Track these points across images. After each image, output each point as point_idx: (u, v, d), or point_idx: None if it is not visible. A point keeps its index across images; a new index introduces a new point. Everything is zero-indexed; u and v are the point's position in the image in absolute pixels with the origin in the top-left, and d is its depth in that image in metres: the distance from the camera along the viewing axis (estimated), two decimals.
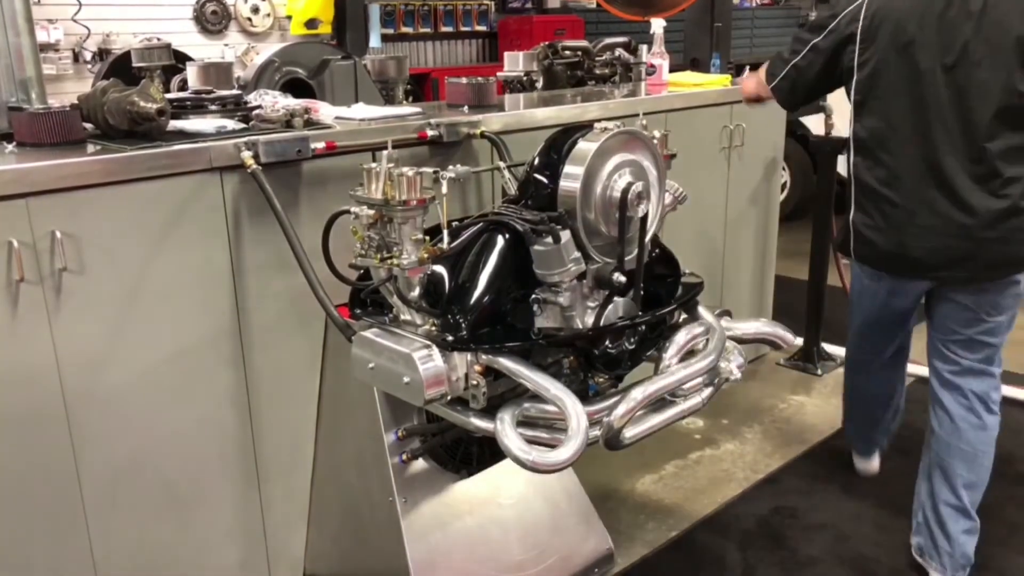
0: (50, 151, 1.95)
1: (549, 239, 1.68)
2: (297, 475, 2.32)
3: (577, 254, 1.73)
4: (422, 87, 6.03)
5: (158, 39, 3.62)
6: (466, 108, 2.71)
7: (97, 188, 1.86)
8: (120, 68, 3.31)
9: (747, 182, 3.57)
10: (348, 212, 1.76)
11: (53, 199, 1.79)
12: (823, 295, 3.76)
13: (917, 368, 2.98)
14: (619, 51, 3.97)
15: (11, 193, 1.74)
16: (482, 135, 2.44)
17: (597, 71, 3.95)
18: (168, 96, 2.24)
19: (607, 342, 1.83)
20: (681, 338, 1.90)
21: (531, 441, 1.71)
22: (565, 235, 1.70)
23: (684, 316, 2.02)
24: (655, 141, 1.89)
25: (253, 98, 2.45)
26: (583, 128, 1.83)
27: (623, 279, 1.78)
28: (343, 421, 2.23)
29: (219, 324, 2.08)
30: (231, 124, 2.17)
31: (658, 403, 1.92)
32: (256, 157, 2.00)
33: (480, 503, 2.22)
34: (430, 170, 1.74)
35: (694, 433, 3.23)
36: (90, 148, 1.97)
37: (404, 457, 2.07)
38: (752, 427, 3.28)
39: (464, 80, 2.73)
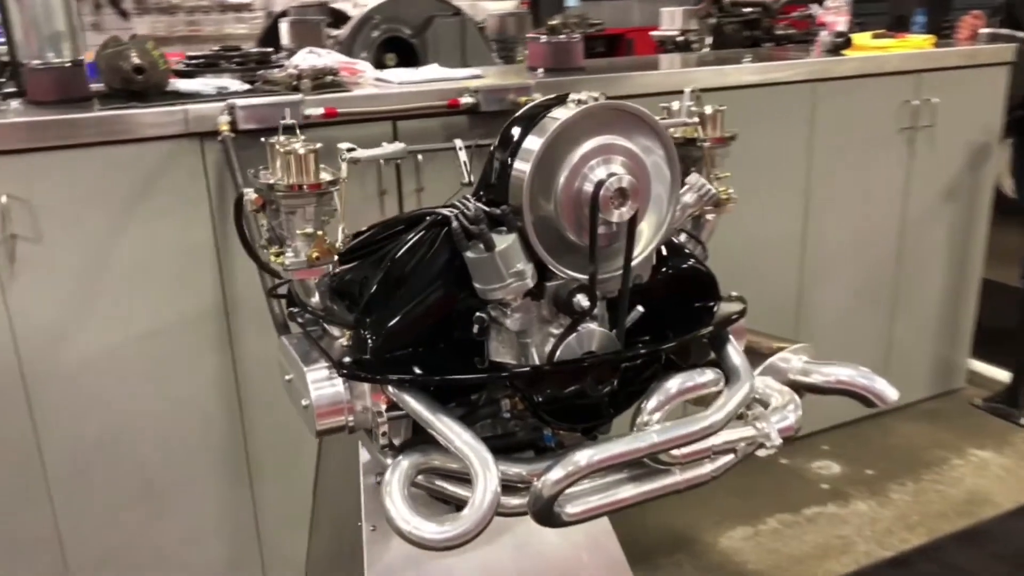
0: (44, 108, 1.85)
1: (481, 244, 1.28)
2: (296, 474, 2.10)
3: (521, 266, 1.29)
4: (615, 49, 5.57)
5: None
6: (540, 72, 2.31)
7: (56, 151, 1.72)
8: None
9: (939, 172, 2.81)
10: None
11: (3, 160, 1.68)
12: None
13: None
14: (812, 8, 3.36)
15: None
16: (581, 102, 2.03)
17: (778, 31, 3.36)
18: (191, 54, 2.08)
19: (567, 384, 1.39)
20: (673, 386, 1.41)
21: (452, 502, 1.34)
22: (505, 240, 1.28)
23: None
24: (671, 120, 1.40)
25: (299, 57, 2.22)
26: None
27: (586, 303, 1.33)
28: None
29: (201, 303, 1.90)
30: (235, 85, 1.96)
31: (636, 469, 1.46)
32: (233, 123, 1.77)
33: (471, 543, 1.87)
34: (345, 146, 1.40)
35: (822, 481, 2.62)
36: (84, 107, 1.85)
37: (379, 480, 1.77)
38: (904, 484, 2.60)
39: (543, 38, 2.32)
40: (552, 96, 1.37)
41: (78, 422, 1.86)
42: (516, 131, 1.35)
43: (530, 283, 1.30)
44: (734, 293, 1.59)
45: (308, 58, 2.11)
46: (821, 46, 2.74)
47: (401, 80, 2.12)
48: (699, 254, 1.63)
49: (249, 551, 2.11)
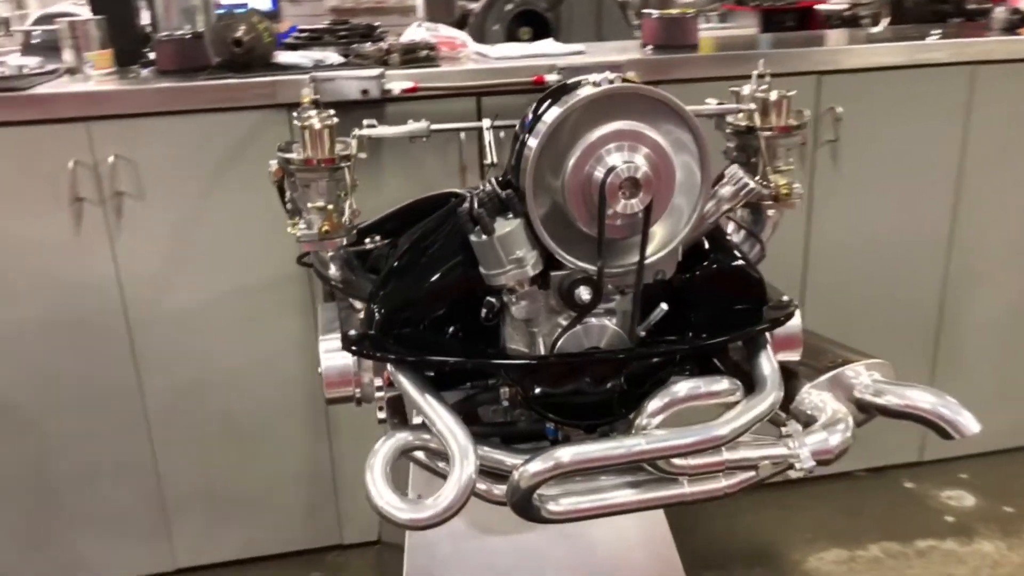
0: (166, 77, 2.01)
1: (479, 227, 1.25)
2: (370, 433, 2.17)
3: (522, 253, 1.25)
4: (806, 22, 5.17)
5: None
6: (649, 49, 2.20)
7: (158, 116, 1.87)
8: None
9: None
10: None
11: (113, 124, 1.85)
12: None
13: None
14: None
15: (73, 116, 1.83)
16: (633, 81, 1.95)
17: (971, 5, 3.00)
18: (302, 27, 2.17)
19: (565, 379, 1.32)
20: (681, 390, 1.30)
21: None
22: (508, 225, 1.25)
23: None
24: (710, 107, 1.28)
25: (409, 31, 2.26)
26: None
27: (587, 296, 1.26)
28: None
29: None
30: (332, 59, 2.03)
31: (638, 475, 1.37)
32: (316, 98, 1.84)
33: (517, 524, 1.85)
34: (366, 123, 1.41)
35: (948, 512, 2.35)
36: (194, 76, 1.99)
37: None
38: None
39: (655, 13, 2.20)
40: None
41: (174, 367, 2.03)
42: (536, 111, 1.31)
43: (531, 271, 1.26)
44: (785, 297, 1.45)
45: (410, 32, 2.15)
46: (995, 23, 2.41)
47: (499, 55, 2.11)
48: (752, 252, 1.51)
49: (326, 500, 2.22)
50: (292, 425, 2.14)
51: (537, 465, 1.24)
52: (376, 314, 1.35)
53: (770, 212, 1.50)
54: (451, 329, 1.37)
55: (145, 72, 2.10)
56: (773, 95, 1.45)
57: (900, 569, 2.13)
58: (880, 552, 2.20)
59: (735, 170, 1.34)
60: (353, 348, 1.32)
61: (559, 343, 1.31)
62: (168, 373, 2.04)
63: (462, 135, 1.96)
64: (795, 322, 1.46)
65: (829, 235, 2.26)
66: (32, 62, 2.10)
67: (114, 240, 1.91)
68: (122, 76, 2.06)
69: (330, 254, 1.39)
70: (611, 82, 1.25)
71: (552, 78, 1.95)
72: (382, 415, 1.36)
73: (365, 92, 1.85)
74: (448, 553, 1.83)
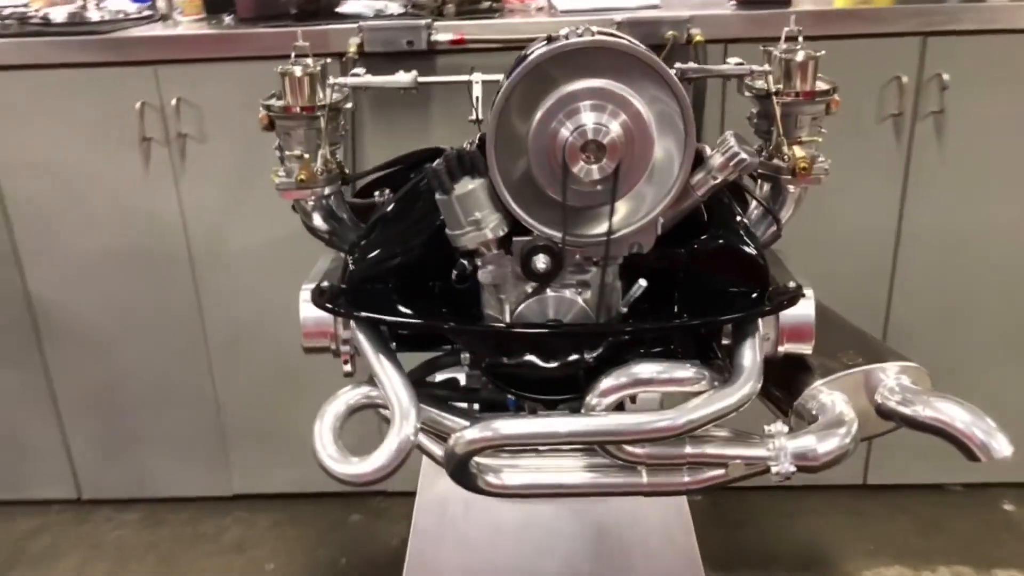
0: (243, 23, 2.08)
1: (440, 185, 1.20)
2: None
3: (480, 214, 1.18)
4: None
5: None
6: (733, 4, 2.02)
7: (219, 63, 1.93)
8: None
9: None
10: None
11: (178, 68, 1.93)
12: None
13: None
14: None
15: (142, 59, 1.93)
16: (695, 42, 1.81)
17: None
18: None
19: (517, 350, 1.24)
20: (640, 372, 1.18)
21: None
22: (468, 184, 1.19)
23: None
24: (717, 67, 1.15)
25: None
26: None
27: (542, 265, 1.18)
28: None
29: None
30: (393, 8, 2.01)
31: (594, 458, 1.28)
32: (361, 45, 1.84)
33: (532, 504, 1.80)
34: (360, 71, 1.38)
35: None
36: (264, 24, 2.04)
37: None
38: None
39: None
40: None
41: (232, 303, 2.13)
42: (515, 65, 1.23)
43: (489, 234, 1.21)
44: (792, 283, 1.31)
45: None
46: None
47: (567, 7, 2.01)
48: (764, 232, 1.37)
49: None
50: (339, 369, 2.19)
51: (473, 433, 1.20)
52: (350, 268, 1.34)
53: (791, 188, 1.34)
54: (432, 291, 1.34)
55: (228, 19, 2.18)
56: (799, 56, 1.28)
57: None
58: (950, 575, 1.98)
59: (727, 138, 1.21)
60: (316, 300, 1.32)
61: (517, 313, 1.24)
62: (227, 308, 2.14)
63: None
64: (805, 311, 1.31)
65: (926, 221, 2.01)
66: (132, 7, 2.24)
67: (178, 179, 2.02)
68: (207, 23, 2.15)
69: (311, 203, 1.39)
70: (593, 35, 1.15)
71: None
72: (348, 368, 1.36)
73: (410, 43, 1.83)
74: (458, 513, 1.82)
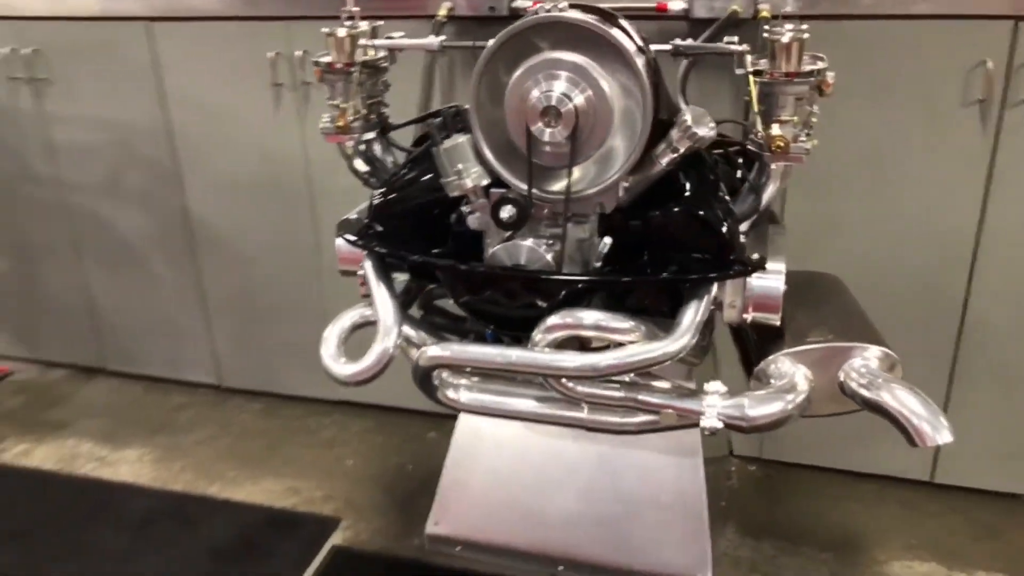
0: None
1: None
2: None
3: (463, 166, 1.35)
4: None
5: None
6: None
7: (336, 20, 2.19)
8: None
9: None
10: None
11: (305, 24, 2.22)
12: None
13: None
14: None
15: (276, 15, 2.23)
16: (763, 17, 1.83)
17: None
18: None
19: (483, 290, 1.39)
20: (583, 317, 1.29)
21: None
22: (455, 139, 1.37)
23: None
24: (639, 47, 1.24)
25: None
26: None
27: (507, 215, 1.33)
28: None
29: None
30: None
31: (543, 391, 1.42)
32: (452, 9, 2.02)
33: (562, 433, 1.95)
34: (398, 35, 1.56)
35: None
36: None
37: None
38: None
39: None
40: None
41: None
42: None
43: (468, 183, 1.39)
44: (756, 256, 1.38)
45: None
46: None
47: None
48: (742, 204, 1.43)
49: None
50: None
51: (434, 350, 1.40)
52: (372, 206, 1.56)
53: (773, 165, 1.39)
54: (442, 233, 1.53)
55: None
56: (785, 37, 1.32)
57: None
58: None
59: (684, 113, 1.29)
60: (337, 231, 1.55)
61: (489, 255, 1.41)
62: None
63: None
64: (772, 284, 1.39)
65: (1012, 216, 1.90)
66: None
67: (303, 121, 2.33)
68: None
69: (350, 148, 1.61)
70: (554, 9, 1.28)
71: (675, 5, 1.91)
72: (363, 291, 1.58)
73: (492, 8, 1.99)
74: (493, 435, 2.02)
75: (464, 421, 2.05)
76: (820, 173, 1.95)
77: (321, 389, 2.65)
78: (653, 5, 1.92)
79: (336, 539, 2.09)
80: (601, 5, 1.89)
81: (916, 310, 2.04)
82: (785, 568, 1.96)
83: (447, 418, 2.54)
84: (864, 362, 1.39)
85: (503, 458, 2.00)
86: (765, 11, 1.84)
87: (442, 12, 2.04)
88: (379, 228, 1.54)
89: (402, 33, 1.63)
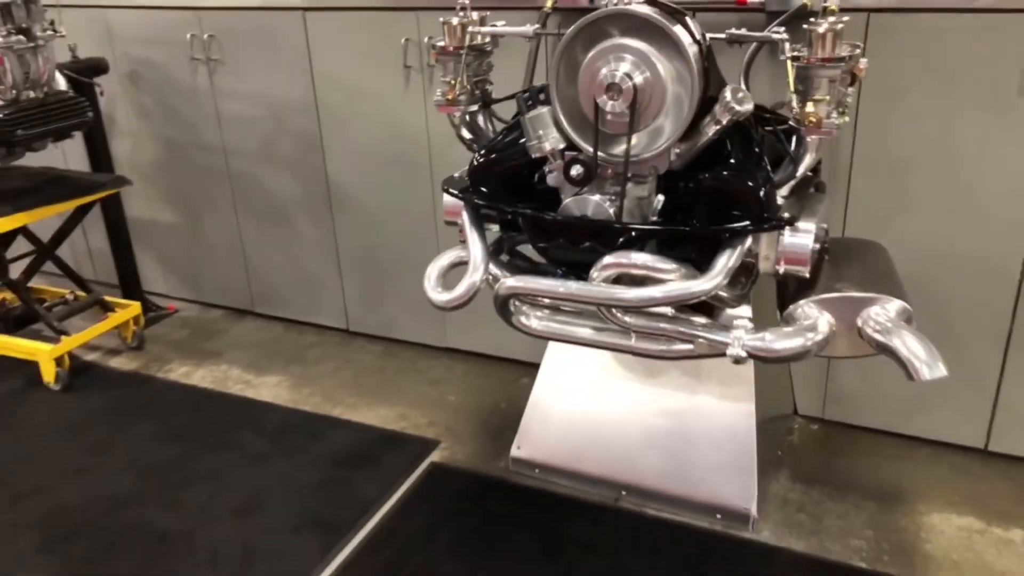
0: None
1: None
2: None
3: (543, 131, 1.65)
4: None
5: None
6: None
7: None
8: None
9: None
10: None
11: (433, 13, 2.56)
12: None
13: None
14: None
15: (408, 6, 2.59)
16: (828, 10, 2.02)
17: None
18: None
19: (557, 236, 1.68)
20: (635, 259, 1.56)
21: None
22: (538, 110, 1.66)
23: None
24: (691, 38, 1.50)
25: None
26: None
27: (574, 172, 1.61)
28: None
29: None
30: None
31: (599, 322, 1.70)
32: (555, 2, 2.31)
33: (632, 378, 2.22)
34: (502, 23, 1.87)
35: None
36: None
37: None
38: None
39: None
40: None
41: None
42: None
43: (547, 146, 1.69)
44: (787, 215, 1.61)
45: None
46: None
47: None
48: (781, 172, 1.66)
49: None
50: None
51: (510, 281, 1.71)
52: (472, 166, 1.88)
53: (808, 139, 1.61)
54: (534, 191, 1.83)
55: None
56: (821, 27, 1.54)
57: (1023, 560, 1.99)
58: (1019, 539, 2.05)
59: (726, 92, 1.53)
60: (442, 186, 1.88)
61: (561, 207, 1.70)
62: None
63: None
64: (802, 241, 1.62)
65: None
66: None
67: (427, 100, 2.68)
68: None
69: (457, 118, 1.93)
70: (626, 4, 1.56)
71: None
72: (462, 237, 1.90)
73: (591, 0, 2.27)
74: (571, 377, 2.32)
75: (547, 365, 2.36)
76: (891, 155, 2.13)
77: (432, 337, 3.02)
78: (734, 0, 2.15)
79: (435, 457, 2.44)
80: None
81: (975, 285, 2.18)
82: (829, 512, 2.16)
83: (537, 367, 2.86)
84: (882, 311, 1.59)
85: (579, 396, 2.30)
86: (833, 5, 2.04)
87: (548, 3, 2.33)
88: (477, 186, 1.85)
89: (503, 22, 1.93)
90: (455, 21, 1.87)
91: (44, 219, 2.90)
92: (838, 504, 2.19)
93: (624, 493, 2.20)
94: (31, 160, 3.02)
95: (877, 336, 1.57)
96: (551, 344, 2.33)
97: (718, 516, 2.11)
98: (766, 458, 2.28)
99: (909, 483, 2.25)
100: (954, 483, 2.24)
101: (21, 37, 2.61)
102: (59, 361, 2.89)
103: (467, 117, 1.94)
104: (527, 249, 1.94)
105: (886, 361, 1.58)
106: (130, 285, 3.44)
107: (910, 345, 1.51)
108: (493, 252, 1.89)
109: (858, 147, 2.19)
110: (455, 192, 1.86)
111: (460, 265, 1.89)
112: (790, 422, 2.52)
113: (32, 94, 2.71)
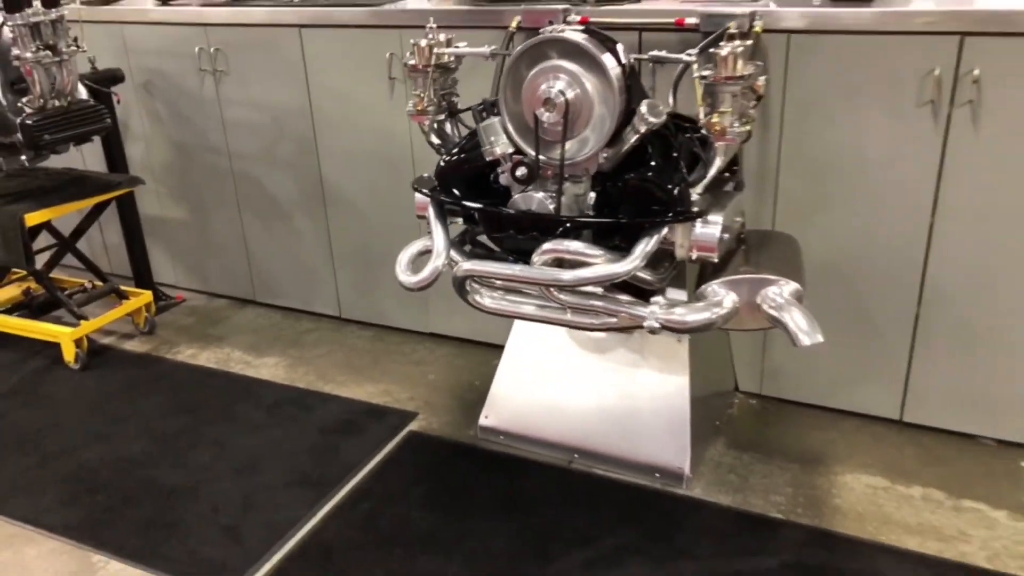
0: (473, 2, 2.96)
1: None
2: None
3: (494, 138, 1.95)
4: None
5: None
6: (819, 1, 2.43)
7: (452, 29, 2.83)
8: None
9: None
10: None
11: (415, 32, 2.86)
12: None
13: None
14: None
15: (392, 24, 2.89)
16: (755, 32, 2.32)
17: None
18: None
19: (505, 227, 1.99)
20: (570, 245, 1.87)
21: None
22: (491, 120, 1.97)
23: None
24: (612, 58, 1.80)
25: None
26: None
27: (520, 172, 1.91)
28: None
29: None
30: None
31: (542, 301, 2.00)
32: (520, 23, 2.61)
33: (587, 348, 2.52)
34: (466, 46, 2.17)
35: None
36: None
37: None
38: None
39: None
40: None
41: None
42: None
43: (497, 151, 1.99)
44: (696, 209, 1.90)
45: None
46: None
47: None
48: (694, 173, 1.95)
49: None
50: None
51: (465, 265, 2.01)
52: (438, 168, 2.19)
53: (717, 144, 1.91)
54: (491, 191, 2.13)
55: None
56: (725, 50, 1.84)
57: (918, 512, 2.27)
58: (917, 495, 2.34)
59: (642, 105, 1.83)
60: (413, 185, 2.18)
61: (509, 203, 2.00)
62: None
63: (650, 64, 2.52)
64: (709, 231, 1.92)
65: (960, 194, 2.31)
66: None
67: None
68: None
69: (426, 125, 2.24)
70: (561, 32, 1.86)
71: (690, 21, 2.42)
72: (428, 228, 2.20)
73: (551, 22, 2.56)
74: (532, 355, 2.62)
75: (511, 345, 2.65)
76: (812, 158, 2.43)
77: (417, 323, 3.32)
78: (673, 20, 2.44)
79: (413, 426, 2.75)
80: (631, 20, 2.43)
81: (886, 272, 2.47)
82: (755, 473, 2.45)
83: None
84: (779, 292, 1.89)
85: (539, 372, 2.59)
86: (758, 28, 2.33)
87: (513, 25, 2.63)
88: (444, 185, 2.16)
89: (466, 43, 2.24)
90: (423, 42, 2.18)
91: (65, 215, 3.22)
92: (765, 466, 2.48)
93: (576, 456, 2.49)
94: (54, 161, 3.35)
95: (771, 311, 1.86)
96: (515, 326, 2.63)
97: (656, 475, 2.40)
98: (705, 428, 2.58)
99: (831, 450, 2.54)
100: (871, 449, 2.53)
101: (48, 52, 2.93)
102: (78, 343, 3.21)
103: (435, 125, 2.25)
104: (487, 239, 2.24)
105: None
106: (142, 276, 3.75)
107: (796, 319, 1.80)
108: (457, 242, 2.20)
109: (784, 151, 2.48)
110: (423, 190, 2.16)
111: (427, 253, 2.19)
112: (731, 398, 2.82)
113: (57, 103, 3.03)
